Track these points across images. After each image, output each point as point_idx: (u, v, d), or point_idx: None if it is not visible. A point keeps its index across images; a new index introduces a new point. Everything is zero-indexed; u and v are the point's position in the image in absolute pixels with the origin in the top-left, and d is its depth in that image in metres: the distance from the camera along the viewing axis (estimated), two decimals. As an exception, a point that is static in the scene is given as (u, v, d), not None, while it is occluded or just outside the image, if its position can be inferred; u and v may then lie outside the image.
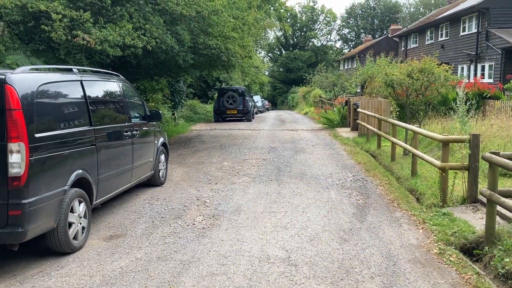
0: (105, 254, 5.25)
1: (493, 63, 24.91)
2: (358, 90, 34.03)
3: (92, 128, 5.98)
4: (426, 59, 11.08)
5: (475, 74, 26.42)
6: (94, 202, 6.03)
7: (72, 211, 5.32)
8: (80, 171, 5.55)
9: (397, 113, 17.01)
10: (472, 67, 26.97)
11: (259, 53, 57.35)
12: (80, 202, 5.52)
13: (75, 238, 5.37)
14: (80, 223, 5.49)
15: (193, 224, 6.34)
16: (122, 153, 6.98)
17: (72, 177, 5.35)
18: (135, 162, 7.38)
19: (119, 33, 9.50)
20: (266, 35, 57.06)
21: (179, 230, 6.09)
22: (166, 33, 10.89)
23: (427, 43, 33.99)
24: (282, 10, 30.23)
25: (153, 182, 8.52)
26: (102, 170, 6.17)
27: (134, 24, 10.08)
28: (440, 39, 31.58)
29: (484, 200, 6.64)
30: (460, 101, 7.09)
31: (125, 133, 7.05)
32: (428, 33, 33.91)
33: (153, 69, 14.05)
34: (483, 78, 24.30)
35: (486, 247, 5.17)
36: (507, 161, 4.76)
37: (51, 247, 5.15)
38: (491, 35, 25.08)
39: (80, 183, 5.60)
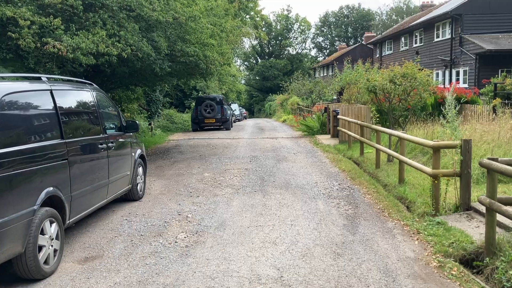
0: (79, 279, 4.78)
1: (468, 68, 25.25)
2: (334, 97, 34.10)
3: (64, 141, 5.52)
4: (407, 64, 10.94)
5: (450, 80, 26.72)
6: (67, 222, 5.55)
7: (42, 233, 4.84)
8: (51, 188, 5.08)
9: (377, 119, 17.00)
10: (447, 72, 27.29)
11: (235, 62, 57.11)
12: (51, 223, 5.04)
13: (46, 262, 4.88)
14: (52, 246, 5.01)
15: (175, 242, 5.91)
16: (97, 167, 6.52)
17: (42, 195, 4.88)
18: (111, 176, 6.91)
19: (92, 40, 9.03)
20: (241, 44, 56.94)
21: (160, 249, 5.66)
22: (142, 40, 10.46)
23: (402, 49, 34.35)
24: (258, 19, 30.14)
25: (130, 196, 8.05)
26: (76, 187, 5.70)
27: (108, 31, 9.63)
28: (414, 45, 31.94)
29: (479, 207, 6.45)
30: (449, 105, 6.90)
31: (99, 146, 6.59)
32: (403, 39, 34.29)
33: (128, 78, 13.57)
34: (458, 83, 24.55)
35: (487, 259, 4.92)
36: (508, 167, 4.52)
37: (19, 274, 4.66)
38: (465, 41, 25.44)
39: (52, 201, 5.13)
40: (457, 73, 26.60)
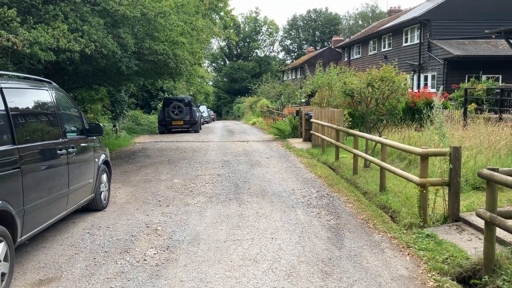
0: (32, 309, 4.11)
1: (436, 73, 25.51)
2: (303, 100, 33.93)
3: (16, 147, 4.81)
4: (385, 67, 10.66)
5: (419, 84, 26.95)
6: (19, 239, 4.84)
7: (-13, 255, 4.14)
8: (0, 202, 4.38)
9: (349, 123, 16.75)
10: (415, 77, 27.50)
11: (204, 63, 56.34)
12: (-1, 242, 4.34)
13: (-8, 289, 4.18)
14: (-1, 269, 4.31)
15: (144, 259, 5.29)
16: (56, 176, 5.81)
17: (-12, 210, 4.18)
18: (72, 185, 6.21)
19: (52, 34, 8.25)
20: (209, 45, 56.16)
21: (127, 268, 5.02)
22: (107, 36, 9.72)
23: (370, 53, 34.54)
24: (227, 19, 29.55)
25: (93, 206, 7.33)
26: (30, 198, 4.99)
27: (70, 25, 8.86)
28: (383, 50, 32.13)
29: (469, 218, 6.12)
30: (437, 110, 6.56)
31: (58, 151, 5.89)
32: (371, 43, 34.48)
33: (92, 77, 12.74)
34: (427, 88, 24.75)
35: (486, 277, 4.55)
36: (513, 179, 4.15)
37: (-42, 304, 3.95)
38: (433, 46, 25.70)
39: (0, 217, 4.42)
40: (425, 78, 26.86)
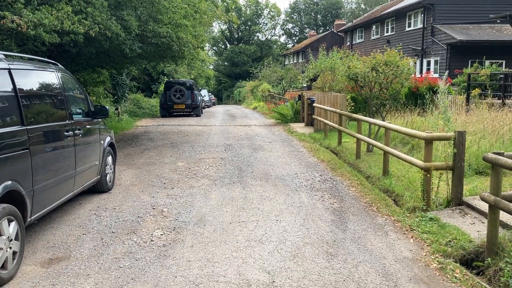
0: (43, 287, 4.19)
1: (439, 58, 25.38)
2: (305, 85, 33.84)
3: (25, 128, 4.84)
4: (389, 52, 10.62)
5: (421, 69, 26.85)
6: (29, 219, 4.91)
7: (-1, 233, 4.21)
8: (9, 182, 4.42)
9: (352, 107, 16.76)
10: (418, 62, 27.37)
11: (205, 46, 56.04)
12: (10, 221, 4.40)
13: (3, 267, 4.25)
14: (10, 248, 4.37)
15: (151, 240, 5.36)
16: (63, 157, 5.85)
17: (-1, 190, 4.23)
18: (78, 167, 6.26)
19: (56, 16, 8.21)
20: (211, 29, 55.75)
21: (135, 249, 5.10)
22: (110, 19, 9.68)
23: (373, 38, 34.31)
24: (229, 1, 29.29)
25: (99, 188, 7.40)
26: (38, 179, 5.05)
27: (74, 7, 8.80)
28: (386, 34, 31.92)
29: (472, 202, 6.18)
30: (442, 95, 6.57)
31: (65, 133, 5.92)
32: (374, 28, 34.23)
33: (95, 59, 12.71)
34: (430, 73, 24.67)
35: (489, 259, 4.62)
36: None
37: (-29, 281, 4.02)
38: (436, 31, 25.53)
39: (10, 197, 4.48)
40: (428, 63, 26.74)
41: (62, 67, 6.65)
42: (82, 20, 8.84)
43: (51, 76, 6.03)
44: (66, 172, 5.88)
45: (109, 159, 7.73)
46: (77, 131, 6.26)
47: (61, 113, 5.98)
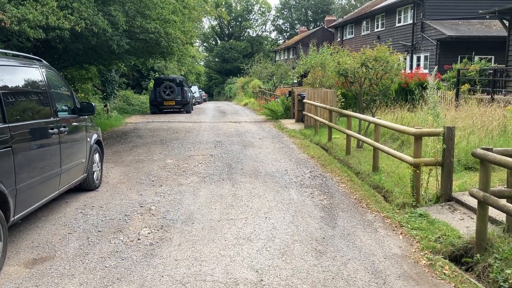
0: (26, 288, 4.10)
1: (429, 54, 25.45)
2: (295, 81, 33.78)
3: (7, 125, 4.73)
4: (379, 47, 10.59)
5: (411, 65, 26.91)
6: (12, 219, 4.80)
7: (-20, 234, 4.10)
8: (-9, 181, 4.32)
9: (342, 103, 16.73)
10: (408, 58, 27.43)
11: (195, 43, 55.75)
12: (-9, 221, 4.30)
13: (-15, 268, 4.15)
14: (-8, 248, 4.28)
15: (138, 239, 5.28)
16: (47, 155, 5.74)
17: (-21, 190, 4.12)
18: (64, 165, 6.15)
19: (41, 11, 8.06)
20: (201, 24, 55.50)
21: (121, 248, 5.01)
22: (97, 14, 9.53)
23: (363, 33, 34.33)
24: (219, -3, 29.11)
25: (86, 186, 7.29)
26: (22, 178, 4.94)
27: (59, 1, 8.64)
28: (376, 30, 31.95)
29: (461, 198, 6.17)
30: (431, 90, 6.55)
31: (50, 130, 5.81)
32: (364, 24, 34.25)
33: (82, 56, 12.53)
34: (420, 68, 24.73)
35: (478, 255, 4.60)
36: (508, 159, 4.16)
37: (-49, 283, 3.92)
38: (426, 27, 25.58)
39: (-8, 196, 4.38)
40: (418, 59, 26.81)
41: (46, 63, 6.52)
42: (68, 15, 8.69)
43: (36, 73, 5.90)
44: (51, 170, 5.77)
45: (96, 156, 7.62)
46: (62, 129, 6.14)
47: (45, 110, 5.87)
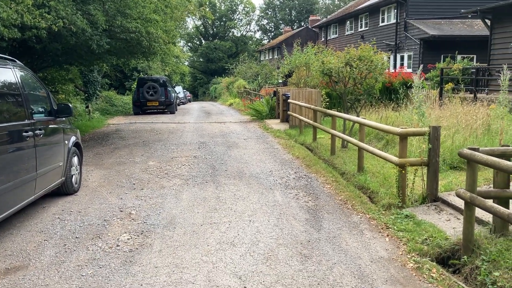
0: (-3, 300, 3.89)
1: (412, 53, 25.60)
2: (280, 81, 33.71)
3: (-24, 129, 4.50)
4: (363, 47, 10.53)
5: (395, 64, 27.04)
6: (-18, 227, 4.58)
7: None
8: (-42, 188, 4.10)
9: (327, 103, 16.67)
10: (392, 57, 27.56)
11: (179, 42, 55.30)
12: (-41, 230, 4.07)
13: (-48, 280, 3.93)
14: (-39, 259, 4.05)
15: (117, 245, 5.09)
16: (22, 159, 5.51)
17: None
18: (40, 169, 5.92)
19: (15, 9, 7.79)
20: (185, 24, 55.11)
21: (99, 255, 4.82)
22: (76, 13, 9.28)
23: (347, 33, 34.43)
24: (203, -4, 28.87)
25: (64, 190, 7.05)
26: (-7, 183, 4.72)
27: (35, 0, 8.38)
28: (360, 30, 32.06)
29: (447, 198, 6.11)
30: (417, 90, 6.47)
31: (24, 133, 5.58)
32: (348, 23, 34.35)
33: (62, 56, 12.22)
34: (403, 68, 24.84)
35: (465, 257, 4.52)
36: (495, 159, 4.09)
37: None
38: (410, 26, 25.73)
39: (-40, 203, 4.15)
40: (402, 58, 26.95)
41: (21, 63, 6.28)
42: (45, 14, 8.43)
43: (8, 74, 5.67)
44: (26, 174, 5.54)
45: (75, 159, 7.39)
46: (37, 131, 5.92)
47: (19, 112, 5.64)
